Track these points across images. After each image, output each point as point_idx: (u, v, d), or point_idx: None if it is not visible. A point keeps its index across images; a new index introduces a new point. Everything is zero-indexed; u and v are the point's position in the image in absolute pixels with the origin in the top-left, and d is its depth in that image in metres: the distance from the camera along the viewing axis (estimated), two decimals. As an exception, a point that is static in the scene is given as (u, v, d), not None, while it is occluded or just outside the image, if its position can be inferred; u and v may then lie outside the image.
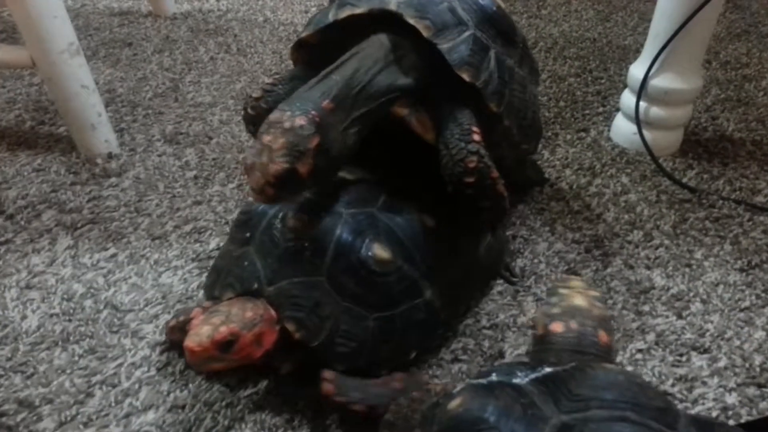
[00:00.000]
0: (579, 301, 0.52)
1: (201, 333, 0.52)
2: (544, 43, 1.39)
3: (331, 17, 0.65)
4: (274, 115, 0.53)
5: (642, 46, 0.98)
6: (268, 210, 0.62)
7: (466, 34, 0.64)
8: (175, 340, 0.63)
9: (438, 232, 0.64)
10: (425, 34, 0.62)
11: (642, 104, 0.97)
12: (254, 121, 0.71)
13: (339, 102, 0.56)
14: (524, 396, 0.38)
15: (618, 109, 1.05)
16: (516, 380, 0.40)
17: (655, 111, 0.97)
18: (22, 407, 0.60)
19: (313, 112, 0.53)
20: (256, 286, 0.58)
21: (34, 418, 0.58)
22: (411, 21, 0.62)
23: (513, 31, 0.72)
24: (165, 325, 0.65)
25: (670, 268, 0.78)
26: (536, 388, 0.38)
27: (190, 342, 0.51)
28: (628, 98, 1.00)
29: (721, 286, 0.75)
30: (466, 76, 0.62)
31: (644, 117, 0.98)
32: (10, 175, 0.93)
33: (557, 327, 0.50)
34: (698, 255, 0.80)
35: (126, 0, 1.65)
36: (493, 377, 0.41)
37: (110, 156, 0.97)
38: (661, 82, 0.95)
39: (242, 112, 0.73)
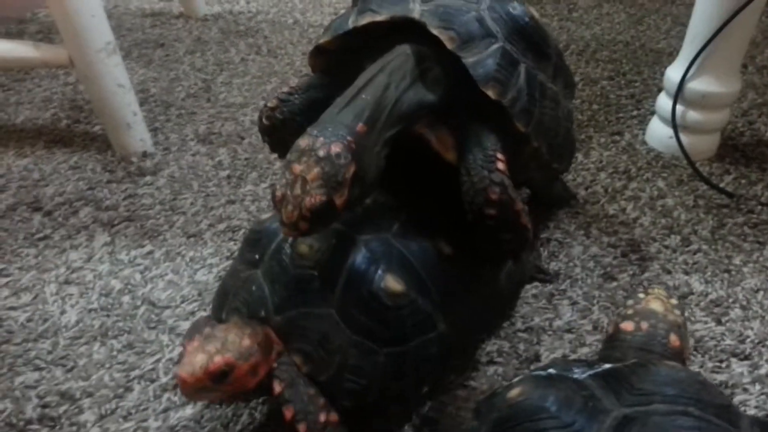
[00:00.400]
0: (655, 305, 0.51)
1: (194, 362, 0.48)
2: (576, 46, 1.37)
3: (350, 23, 0.62)
4: (304, 141, 0.48)
5: (676, 49, 0.97)
6: (279, 231, 0.57)
7: (494, 47, 0.59)
8: None
9: (455, 261, 0.60)
10: (449, 45, 0.57)
11: (678, 108, 0.96)
12: (269, 132, 0.68)
13: (372, 124, 0.51)
14: (584, 389, 0.37)
15: (653, 113, 1.04)
16: (575, 375, 0.39)
17: (692, 115, 0.96)
18: (64, 399, 0.60)
19: (348, 138, 0.48)
20: (263, 313, 0.55)
21: (76, 410, 0.59)
22: (434, 31, 0.57)
23: (546, 44, 0.66)
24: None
25: (709, 273, 0.77)
26: (596, 382, 0.38)
27: (183, 372, 0.48)
28: (664, 101, 0.99)
29: (761, 293, 0.74)
30: (491, 93, 0.57)
31: (681, 121, 0.97)
32: (47, 173, 0.94)
33: (627, 326, 0.49)
34: (737, 261, 0.79)
35: (157, 1, 1.67)
36: (551, 371, 0.40)
37: (145, 155, 0.98)
38: (698, 85, 0.93)
39: (258, 123, 0.69)
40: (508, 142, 0.60)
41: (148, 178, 0.93)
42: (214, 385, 0.49)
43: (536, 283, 0.75)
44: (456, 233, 0.61)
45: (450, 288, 0.59)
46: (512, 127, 0.60)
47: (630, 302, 0.53)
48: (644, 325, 0.49)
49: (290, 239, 0.56)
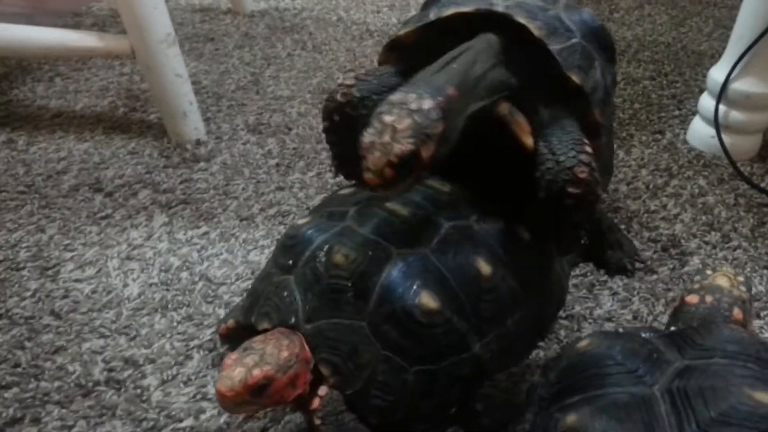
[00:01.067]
0: (722, 281, 0.52)
1: (233, 376, 0.48)
2: (618, 46, 1.37)
3: (432, 16, 0.63)
4: (396, 96, 0.50)
5: (717, 52, 0.97)
6: (314, 238, 0.58)
7: (574, 40, 0.61)
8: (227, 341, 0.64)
9: (495, 280, 0.59)
10: (537, 33, 0.59)
11: (721, 108, 0.97)
12: (340, 110, 0.66)
13: (462, 90, 0.53)
14: (649, 344, 0.40)
15: (694, 113, 1.05)
16: (641, 333, 0.42)
17: (735, 115, 0.96)
18: (128, 365, 0.64)
19: (440, 98, 0.50)
20: (293, 320, 0.55)
21: (139, 375, 0.63)
22: (522, 20, 0.59)
23: (613, 50, 0.68)
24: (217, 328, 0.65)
25: (748, 269, 0.78)
26: (661, 340, 0.41)
27: (222, 386, 0.47)
28: (706, 101, 1.00)
29: (801, 290, 0.75)
30: (576, 78, 0.59)
31: (723, 121, 0.97)
32: (107, 157, 0.99)
33: (692, 299, 0.51)
34: (778, 258, 0.80)
35: (206, -2, 1.72)
36: (619, 329, 0.43)
37: (198, 142, 1.02)
38: (742, 85, 0.94)
39: (324, 103, 0.68)
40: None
41: (202, 164, 0.97)
42: (254, 399, 0.49)
43: (576, 273, 0.77)
44: (498, 253, 0.60)
45: (488, 308, 0.58)
46: (588, 117, 0.61)
47: (697, 278, 0.54)
48: (709, 298, 0.50)
49: (327, 248, 0.56)
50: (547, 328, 0.69)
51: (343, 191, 0.68)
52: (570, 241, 0.65)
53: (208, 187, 0.92)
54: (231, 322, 0.61)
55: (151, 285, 0.74)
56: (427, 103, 0.49)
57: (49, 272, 0.76)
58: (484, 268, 0.58)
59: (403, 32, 0.65)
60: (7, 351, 0.66)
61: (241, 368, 0.48)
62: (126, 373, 0.63)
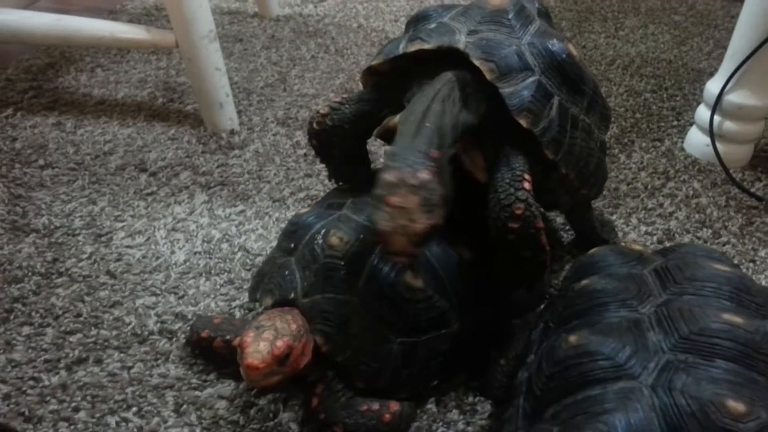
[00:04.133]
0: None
1: (261, 350, 0.53)
2: (621, 61, 1.47)
3: (401, 49, 0.66)
4: (392, 175, 0.51)
5: (716, 69, 1.06)
6: (314, 224, 0.66)
7: (531, 79, 0.63)
8: (200, 345, 0.67)
9: (474, 267, 0.65)
10: (488, 76, 0.61)
11: (716, 118, 1.05)
12: (318, 136, 0.72)
13: (442, 150, 0.56)
14: (639, 278, 0.51)
15: (692, 124, 1.13)
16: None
17: (729, 125, 1.05)
18: (178, 319, 0.72)
19: (430, 164, 0.52)
20: (292, 295, 0.61)
21: (188, 327, 0.71)
22: (476, 62, 0.62)
23: (582, 79, 0.69)
24: (190, 332, 0.68)
25: (736, 261, 0.86)
26: (650, 275, 0.50)
27: (253, 360, 0.52)
28: (703, 112, 1.08)
29: (783, 282, 0.83)
30: (524, 123, 0.61)
31: (717, 130, 1.06)
32: (149, 141, 1.07)
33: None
34: (762, 253, 0.88)
35: (234, 1, 1.81)
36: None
37: (233, 132, 1.10)
38: (735, 97, 1.02)
39: (307, 127, 0.74)
40: (538, 167, 0.64)
41: (236, 152, 1.05)
42: (279, 368, 0.54)
43: (569, 258, 0.85)
44: (477, 242, 0.66)
45: (467, 291, 0.64)
46: (542, 155, 0.64)
47: None
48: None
49: (324, 231, 0.63)
50: (527, 310, 0.75)
51: (343, 186, 0.76)
52: (532, 272, 0.65)
53: (242, 172, 1.00)
54: (205, 332, 0.66)
55: (195, 253, 0.82)
56: (425, 175, 0.51)
57: (103, 239, 0.84)
58: (466, 254, 0.65)
59: (375, 62, 0.69)
60: (69, 303, 0.74)
61: (265, 342, 0.54)
62: (177, 326, 0.71)
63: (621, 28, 1.70)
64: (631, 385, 0.43)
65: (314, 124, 0.72)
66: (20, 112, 1.13)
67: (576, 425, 0.43)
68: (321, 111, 0.71)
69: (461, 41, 0.64)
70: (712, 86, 1.05)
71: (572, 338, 0.49)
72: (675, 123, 1.21)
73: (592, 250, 0.61)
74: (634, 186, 1.01)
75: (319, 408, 0.59)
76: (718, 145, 1.05)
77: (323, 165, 1.02)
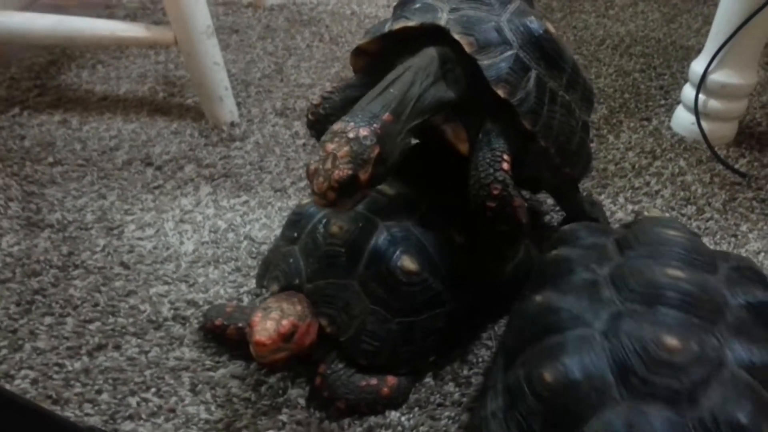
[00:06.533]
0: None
1: (268, 328, 0.58)
2: (611, 41, 1.50)
3: (386, 28, 0.69)
4: (337, 126, 0.56)
5: (704, 48, 1.09)
6: (316, 214, 0.70)
7: (509, 53, 0.66)
8: (214, 332, 0.71)
9: (466, 249, 0.69)
10: (468, 49, 0.64)
11: (701, 97, 1.09)
12: (313, 125, 0.76)
13: (397, 114, 0.59)
14: (601, 247, 0.60)
15: (679, 103, 1.16)
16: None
17: (713, 103, 1.08)
18: (190, 306, 0.77)
19: (375, 125, 0.56)
20: (297, 281, 0.66)
21: (200, 313, 0.75)
22: (456, 36, 0.65)
23: (560, 56, 0.72)
24: (204, 319, 0.73)
25: (718, 236, 0.90)
26: (612, 244, 0.60)
27: (260, 336, 0.57)
28: (688, 91, 1.11)
29: (762, 254, 0.87)
30: (501, 92, 0.64)
31: (702, 109, 1.09)
32: (153, 135, 1.11)
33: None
34: (744, 228, 0.92)
35: (228, -9, 1.84)
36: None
37: (233, 124, 1.14)
38: (719, 77, 1.06)
39: (305, 118, 0.78)
40: (517, 140, 0.67)
41: (237, 143, 1.09)
42: (284, 345, 0.59)
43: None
44: (468, 225, 0.70)
45: (460, 272, 0.69)
46: (520, 126, 0.66)
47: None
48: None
49: (325, 221, 0.67)
50: (513, 293, 0.77)
51: None
52: (508, 239, 0.69)
53: (244, 163, 1.04)
54: (218, 320, 0.70)
55: (203, 243, 0.86)
56: (363, 131, 0.55)
57: (114, 232, 0.88)
58: (458, 238, 0.69)
59: (363, 42, 0.73)
60: (86, 293, 0.78)
61: (272, 321, 0.59)
62: (189, 312, 0.76)
63: (611, 7, 1.72)
64: (586, 332, 0.50)
65: (309, 115, 0.76)
66: (27, 111, 1.17)
67: (537, 365, 0.51)
68: (314, 102, 0.75)
69: (443, 18, 0.67)
70: (697, 66, 1.09)
71: (538, 297, 0.57)
72: (663, 102, 1.25)
73: (566, 226, 0.69)
74: (621, 166, 1.05)
75: (323, 386, 0.64)
76: (703, 124, 1.08)
77: (322, 154, 1.07)
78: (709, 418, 0.44)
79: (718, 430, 0.44)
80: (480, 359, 0.71)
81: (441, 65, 0.64)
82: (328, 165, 0.54)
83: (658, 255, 0.56)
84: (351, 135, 0.55)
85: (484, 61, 0.65)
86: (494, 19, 0.68)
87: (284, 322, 0.59)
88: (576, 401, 0.47)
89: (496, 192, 0.62)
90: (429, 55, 0.65)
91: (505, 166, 0.63)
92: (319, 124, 0.75)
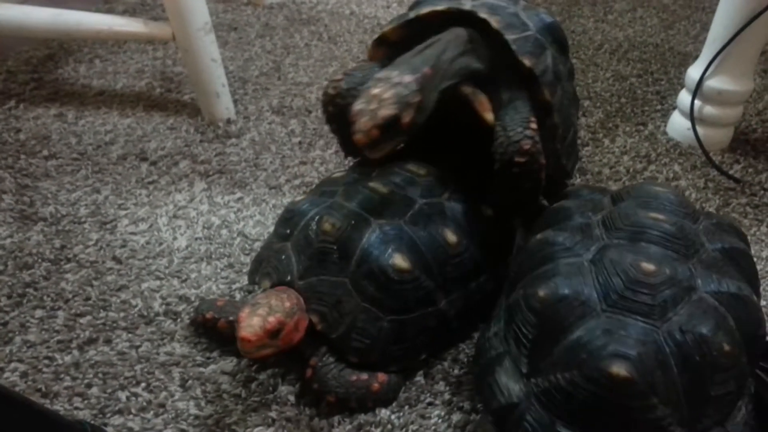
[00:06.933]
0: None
1: (254, 324, 0.58)
2: (609, 46, 1.50)
3: (412, 14, 0.74)
4: (381, 74, 0.61)
5: (701, 55, 1.09)
6: (308, 211, 0.70)
7: (529, 32, 0.72)
8: (205, 325, 0.71)
9: (459, 248, 0.70)
10: (495, 26, 0.70)
11: (697, 103, 1.09)
12: (332, 100, 0.77)
13: (436, 70, 0.64)
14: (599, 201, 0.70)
15: (675, 108, 1.17)
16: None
17: (709, 109, 1.09)
18: (182, 301, 0.77)
19: (418, 74, 0.62)
20: (289, 278, 0.66)
21: (192, 309, 0.75)
22: (484, 16, 0.70)
23: (566, 46, 0.80)
24: (195, 313, 0.72)
25: (711, 241, 0.90)
26: (607, 199, 0.70)
27: (246, 333, 0.57)
28: (684, 97, 1.12)
29: (756, 259, 0.87)
30: (527, 62, 0.69)
31: (698, 114, 1.09)
32: (149, 131, 1.11)
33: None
34: (737, 233, 0.92)
35: (228, -11, 1.84)
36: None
37: (229, 121, 1.14)
38: (715, 83, 1.06)
39: (322, 97, 0.79)
40: (534, 112, 0.71)
41: (233, 140, 1.09)
42: (270, 341, 0.59)
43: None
44: (463, 226, 0.71)
45: (452, 271, 0.69)
46: (540, 97, 0.71)
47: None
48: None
49: (317, 218, 0.68)
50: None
51: (336, 174, 0.80)
52: (527, 206, 0.75)
53: (239, 160, 1.04)
54: (209, 314, 0.70)
55: (196, 239, 0.86)
56: (407, 78, 0.60)
57: (108, 226, 0.88)
58: (451, 237, 0.69)
59: (387, 29, 0.76)
60: (78, 287, 0.78)
61: (258, 317, 0.59)
62: (181, 307, 0.76)
63: (610, 12, 1.73)
64: (576, 260, 0.59)
65: (329, 89, 0.76)
66: (23, 104, 1.17)
67: (533, 285, 0.59)
68: (335, 77, 0.77)
69: (467, 4, 0.72)
70: (693, 72, 1.09)
71: (539, 235, 0.65)
72: (659, 107, 1.25)
73: (571, 187, 0.81)
74: (616, 170, 1.05)
75: (313, 378, 0.64)
76: (699, 129, 1.09)
77: (318, 152, 1.07)
78: (677, 330, 0.52)
79: (684, 340, 0.52)
80: (471, 359, 0.71)
81: (468, 41, 0.70)
82: (374, 105, 0.58)
83: (645, 204, 0.64)
84: (396, 80, 0.60)
85: (510, 36, 0.70)
86: (512, 7, 0.75)
87: (271, 318, 0.59)
88: (564, 313, 0.55)
89: (527, 147, 0.66)
90: (456, 32, 0.70)
91: (533, 125, 0.68)
92: (340, 97, 0.76)
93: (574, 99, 0.84)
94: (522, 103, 0.70)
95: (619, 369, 0.50)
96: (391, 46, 0.77)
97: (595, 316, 0.54)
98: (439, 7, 0.72)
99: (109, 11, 1.61)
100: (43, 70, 1.30)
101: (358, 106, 0.59)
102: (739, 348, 0.53)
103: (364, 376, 0.64)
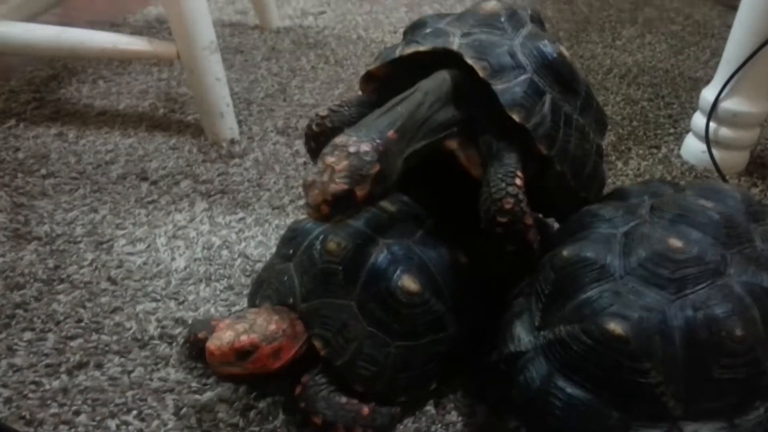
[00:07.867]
0: None
1: (223, 338, 0.55)
2: (618, 71, 1.48)
3: (397, 53, 0.68)
4: (340, 139, 0.55)
5: (713, 78, 1.07)
6: (312, 230, 0.66)
7: (523, 77, 0.64)
8: (198, 345, 0.67)
9: (470, 270, 0.66)
10: (481, 74, 0.63)
11: (712, 125, 1.06)
12: (316, 138, 0.74)
13: (402, 133, 0.58)
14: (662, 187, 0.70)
15: (688, 131, 1.14)
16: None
17: (724, 132, 1.06)
18: (178, 324, 0.73)
19: (378, 141, 0.55)
20: (291, 300, 0.63)
21: (187, 332, 0.71)
22: (469, 61, 0.63)
23: (574, 79, 0.71)
24: (188, 333, 0.70)
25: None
26: (670, 188, 0.70)
27: (211, 344, 0.55)
28: (699, 119, 1.09)
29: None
30: (516, 117, 0.63)
31: (713, 137, 1.07)
32: (150, 150, 1.08)
33: None
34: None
35: (235, 14, 1.83)
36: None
37: (233, 141, 1.12)
38: (730, 104, 1.03)
39: (304, 131, 0.76)
40: (533, 165, 0.66)
41: (236, 160, 1.06)
42: (238, 362, 0.55)
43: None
44: (473, 246, 0.67)
45: (463, 294, 0.65)
46: (536, 150, 0.65)
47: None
48: None
49: (322, 237, 0.64)
50: None
51: None
52: (516, 262, 0.66)
53: (242, 180, 1.01)
54: (202, 334, 0.67)
55: (195, 260, 0.83)
56: (365, 147, 0.54)
57: (104, 246, 0.85)
58: (463, 258, 0.66)
59: (373, 67, 0.72)
60: (71, 308, 0.74)
61: (232, 332, 0.55)
62: (177, 330, 0.72)
63: (618, 38, 1.71)
64: (611, 232, 0.60)
65: (313, 126, 0.73)
66: (23, 123, 1.15)
67: (563, 245, 0.60)
68: (320, 114, 0.73)
69: (455, 43, 0.66)
70: (708, 93, 1.06)
71: (584, 208, 0.66)
72: (672, 131, 1.22)
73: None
74: (631, 192, 1.01)
75: (301, 396, 0.60)
76: (714, 152, 1.06)
77: (323, 173, 1.04)
78: (690, 306, 0.52)
79: (694, 316, 0.51)
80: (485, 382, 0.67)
81: (453, 87, 0.64)
82: (325, 178, 0.53)
83: (703, 195, 0.63)
84: (352, 149, 0.54)
85: (498, 86, 0.63)
86: (507, 43, 0.67)
87: (243, 338, 0.55)
88: (582, 274, 0.57)
89: (508, 206, 0.60)
90: (441, 77, 0.64)
91: (518, 181, 0.61)
92: (323, 136, 0.72)
93: (597, 123, 0.76)
94: (509, 155, 0.64)
95: (616, 326, 0.51)
96: (380, 80, 0.73)
97: (612, 281, 0.55)
98: (423, 48, 0.66)
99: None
100: (45, 90, 1.28)
101: (310, 177, 0.54)
102: (755, 337, 0.51)
103: (355, 400, 0.60)
